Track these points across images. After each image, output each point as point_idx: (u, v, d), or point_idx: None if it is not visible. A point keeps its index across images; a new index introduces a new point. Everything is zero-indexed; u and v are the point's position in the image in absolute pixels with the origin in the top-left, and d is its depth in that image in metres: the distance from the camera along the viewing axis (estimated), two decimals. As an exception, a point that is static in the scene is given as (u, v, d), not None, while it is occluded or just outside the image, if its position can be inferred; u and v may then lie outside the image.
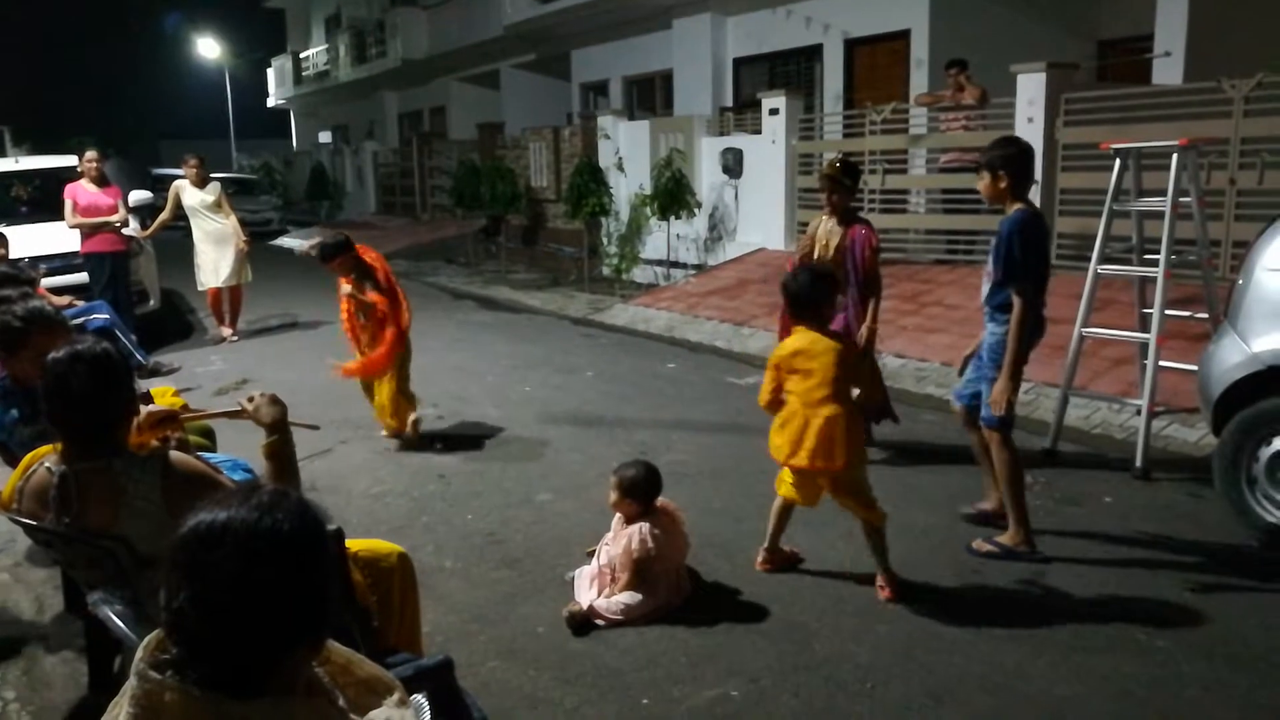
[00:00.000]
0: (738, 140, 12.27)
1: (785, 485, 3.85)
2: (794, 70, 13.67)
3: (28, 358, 3.27)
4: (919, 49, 11.62)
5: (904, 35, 11.85)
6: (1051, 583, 3.85)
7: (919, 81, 11.41)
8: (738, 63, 14.54)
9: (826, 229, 5.41)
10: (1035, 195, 8.74)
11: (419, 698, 2.35)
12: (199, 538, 1.36)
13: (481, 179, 15.28)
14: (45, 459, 2.54)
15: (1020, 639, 3.40)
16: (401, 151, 23.18)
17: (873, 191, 10.24)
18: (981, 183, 4.09)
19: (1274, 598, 3.69)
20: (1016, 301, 3.91)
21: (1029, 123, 8.82)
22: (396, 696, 1.58)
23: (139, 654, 1.39)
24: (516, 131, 17.41)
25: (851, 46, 12.76)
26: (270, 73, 34.75)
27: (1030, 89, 8.84)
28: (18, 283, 6.52)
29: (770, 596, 3.77)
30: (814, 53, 13.25)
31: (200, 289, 9.67)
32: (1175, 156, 5.12)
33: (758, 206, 11.80)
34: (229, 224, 9.47)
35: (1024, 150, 4.04)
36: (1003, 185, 3.98)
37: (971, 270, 9.21)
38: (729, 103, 14.43)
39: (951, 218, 9.95)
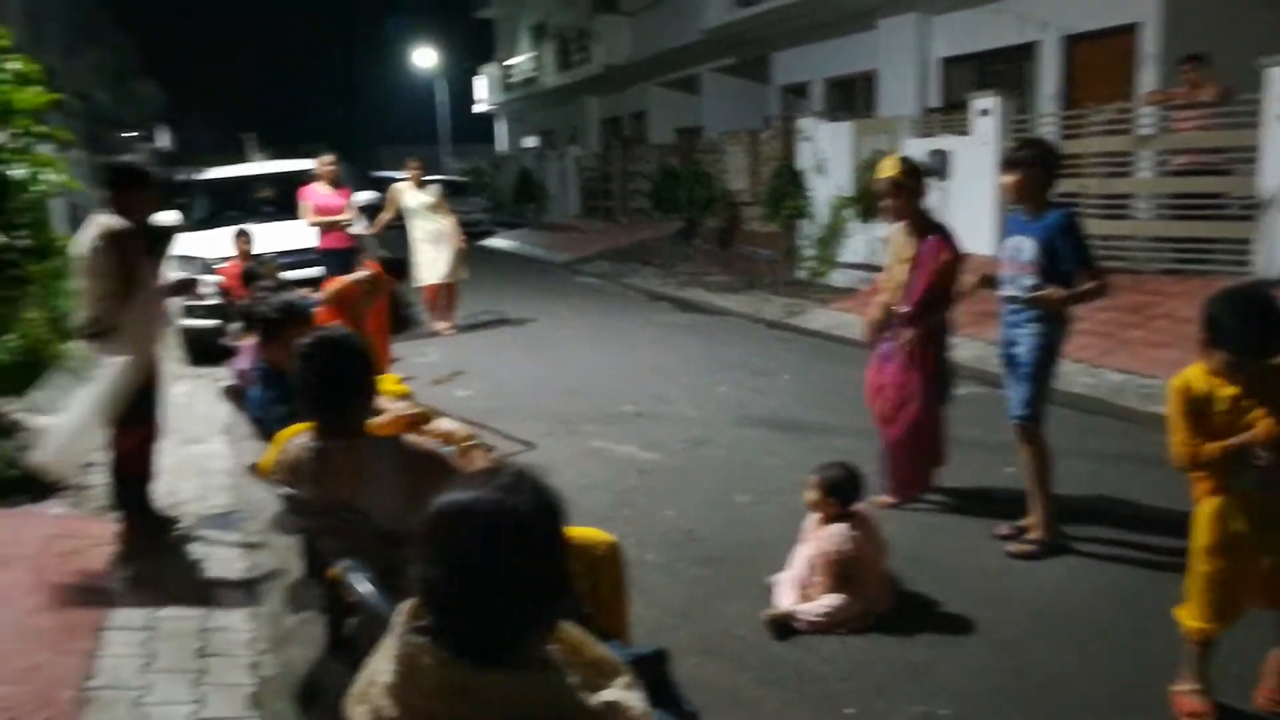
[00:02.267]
0: (945, 141, 11.85)
1: None
2: (1005, 70, 13.04)
3: (282, 345, 3.60)
4: (1149, 44, 10.83)
5: (1131, 29, 11.07)
6: None
7: (1148, 80, 10.63)
8: (946, 62, 14.04)
9: (898, 243, 4.68)
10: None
11: (636, 686, 2.43)
12: (448, 515, 1.46)
13: (679, 182, 15.46)
14: (299, 436, 2.78)
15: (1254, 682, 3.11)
16: (603, 156, 23.81)
17: (1091, 196, 9.63)
18: (1009, 179, 4.12)
19: None
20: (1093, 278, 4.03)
21: (1279, 120, 8.04)
22: (625, 679, 1.63)
23: (399, 619, 1.50)
24: (714, 135, 17.50)
25: (1071, 43, 12.05)
26: (478, 80, 36.54)
27: (1282, 84, 8.06)
28: (260, 276, 7.21)
29: (981, 616, 3.62)
30: (1028, 51, 12.60)
31: (417, 285, 10.28)
32: None
33: (965, 209, 11.32)
34: (446, 224, 10.03)
35: (1051, 151, 4.18)
36: (1028, 186, 4.07)
37: (1205, 282, 8.49)
38: (935, 104, 13.95)
39: (1182, 224, 9.20)
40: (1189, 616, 2.89)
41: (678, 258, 16.58)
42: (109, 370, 3.94)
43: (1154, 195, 9.80)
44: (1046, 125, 10.89)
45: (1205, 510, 2.85)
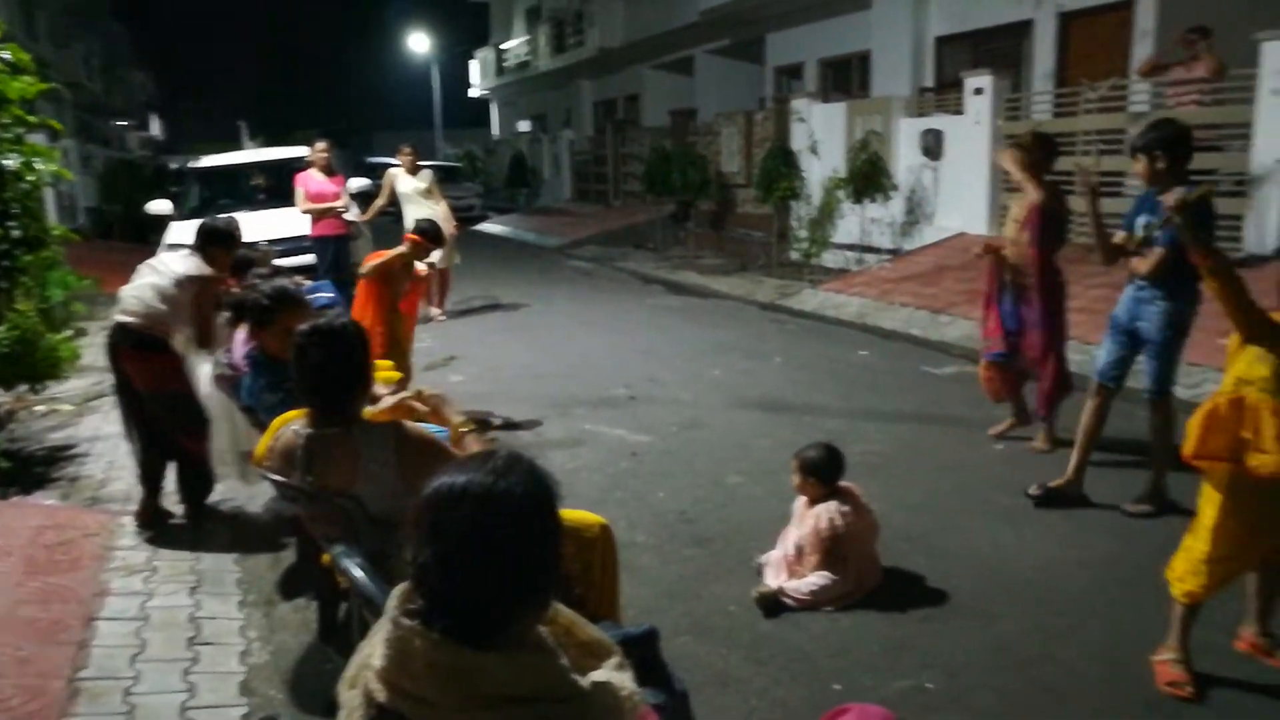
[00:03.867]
0: (938, 121, 11.83)
1: None
2: (1000, 48, 13.00)
3: (276, 332, 3.61)
4: (1145, 19, 10.79)
5: (1128, 5, 11.03)
6: None
7: (1143, 56, 10.61)
8: (939, 41, 13.98)
9: (1019, 204, 5.25)
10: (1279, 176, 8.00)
11: (626, 665, 2.46)
12: (440, 499, 1.48)
13: (672, 165, 15.44)
14: (293, 423, 2.80)
15: (1245, 654, 3.15)
16: (596, 139, 23.74)
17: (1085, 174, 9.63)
18: (1138, 165, 4.11)
19: None
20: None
21: (1274, 95, 8.04)
22: (615, 660, 1.65)
23: (392, 603, 1.52)
24: (708, 117, 17.45)
25: (1067, 20, 12.01)
26: (473, 64, 36.38)
27: (1277, 58, 8.04)
28: (253, 263, 7.22)
29: (969, 591, 3.66)
30: (1023, 29, 12.56)
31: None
32: None
33: (958, 189, 11.34)
34: (440, 210, 10.02)
35: (1180, 132, 4.12)
36: (1160, 167, 4.04)
37: (1197, 258, 8.51)
38: (929, 83, 13.91)
39: (1175, 201, 9.21)
40: (1182, 581, 2.93)
41: (671, 241, 16.58)
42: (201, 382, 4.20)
43: (1147, 172, 9.78)
44: (1040, 104, 10.88)
45: (1219, 478, 2.85)
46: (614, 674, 1.58)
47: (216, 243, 4.57)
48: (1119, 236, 4.45)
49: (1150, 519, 4.29)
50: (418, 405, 3.20)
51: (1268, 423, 2.72)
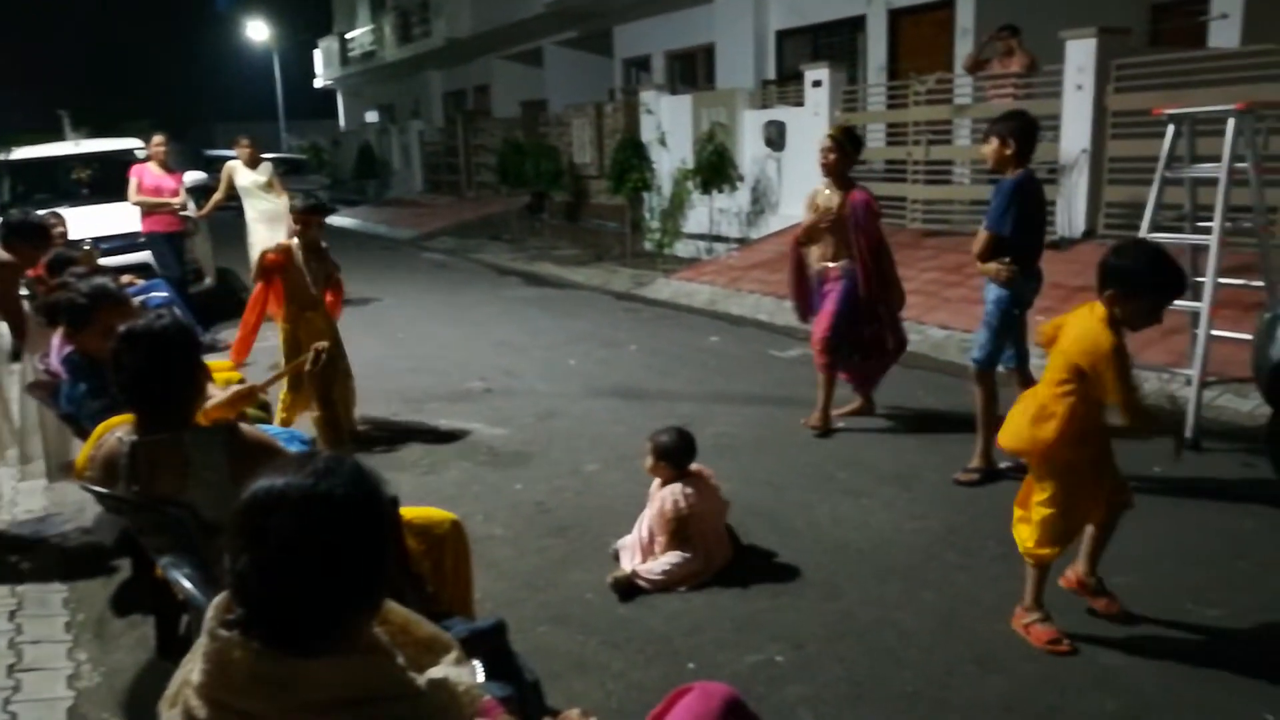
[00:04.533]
0: (780, 113, 12.18)
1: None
2: (837, 42, 13.51)
3: (96, 333, 3.41)
4: (964, 18, 11.42)
5: (949, 4, 11.65)
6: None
7: (964, 52, 11.23)
8: (780, 35, 14.40)
9: (826, 196, 5.40)
10: (1084, 163, 8.62)
11: (474, 659, 2.45)
12: (258, 503, 1.42)
13: (525, 156, 15.36)
14: (117, 429, 2.64)
15: (1060, 608, 3.39)
16: (446, 130, 23.32)
17: (916, 163, 10.13)
18: (989, 148, 4.49)
19: (1326, 568, 3.65)
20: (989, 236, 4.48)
21: (1078, 90, 8.65)
22: (454, 655, 1.65)
23: (209, 614, 1.46)
24: (559, 108, 17.42)
25: (896, 16, 12.57)
26: (317, 54, 35.07)
27: (1080, 56, 8.65)
28: (73, 261, 6.79)
29: (815, 565, 3.81)
30: (858, 24, 13.09)
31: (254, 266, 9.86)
32: (1232, 121, 5.02)
33: (801, 179, 11.68)
34: (281, 203, 9.64)
35: (1032, 122, 4.55)
36: (1009, 152, 4.40)
37: (1019, 241, 9.09)
38: (772, 75, 14.31)
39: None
40: (1037, 543, 3.12)
41: (526, 232, 16.49)
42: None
43: (971, 161, 10.37)
44: (875, 96, 11.36)
45: (1068, 440, 3.04)
46: (452, 670, 1.58)
47: (20, 238, 4.37)
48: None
49: (979, 486, 4.58)
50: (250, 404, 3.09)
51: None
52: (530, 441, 5.50)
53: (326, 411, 5.28)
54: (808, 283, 5.60)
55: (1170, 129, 5.28)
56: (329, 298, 5.55)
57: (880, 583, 3.67)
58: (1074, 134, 8.74)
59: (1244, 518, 4.15)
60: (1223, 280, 5.12)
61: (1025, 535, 3.18)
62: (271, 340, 8.55)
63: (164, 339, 2.59)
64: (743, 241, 12.15)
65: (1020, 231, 4.40)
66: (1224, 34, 9.19)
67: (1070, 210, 8.80)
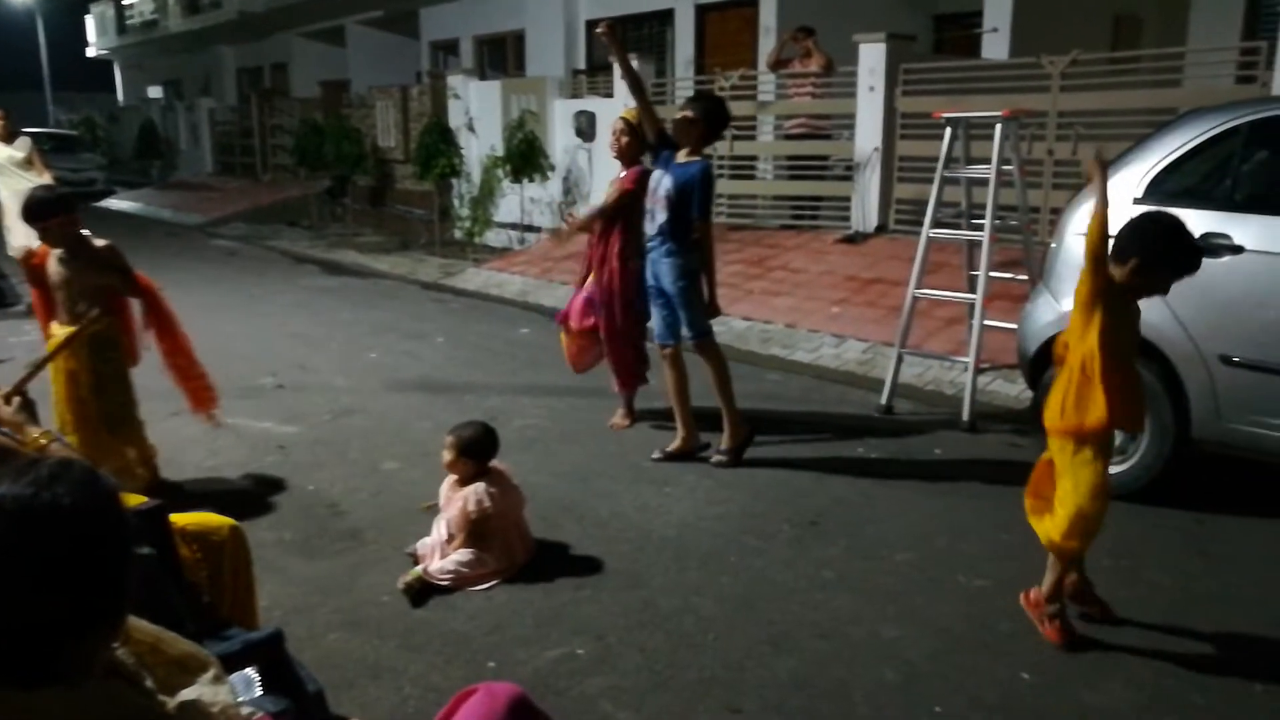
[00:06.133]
0: (590, 103, 12.21)
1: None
2: (646, 34, 13.68)
3: None
4: (767, 16, 11.82)
5: (754, 3, 12.02)
6: (879, 532, 4.05)
7: (767, 49, 11.62)
8: (590, 24, 14.41)
9: (618, 176, 5.32)
10: (877, 161, 9.09)
11: (249, 672, 2.29)
12: None
13: (326, 138, 14.70)
14: None
15: (850, 586, 3.57)
16: (240, 109, 22.00)
17: (721, 157, 10.40)
18: (682, 116, 4.65)
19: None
20: (704, 227, 4.66)
21: (870, 91, 9.12)
22: (211, 673, 1.52)
23: None
24: (363, 90, 16.78)
25: (703, 12, 12.86)
26: (89, 20, 32.21)
27: (871, 58, 9.13)
28: None
29: (619, 555, 3.82)
30: (666, 17, 13.30)
31: (12, 253, 8.93)
32: (998, 126, 5.41)
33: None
34: (42, 183, 8.76)
35: (726, 111, 4.77)
36: (699, 131, 4.62)
37: (815, 235, 9.51)
38: (582, 65, 14.32)
39: (798, 184, 10.21)
40: (1065, 536, 3.04)
41: (327, 218, 15.82)
42: None
43: (774, 157, 10.76)
44: (683, 89, 11.56)
45: (1099, 441, 3.00)
46: (206, 689, 1.45)
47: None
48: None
49: (741, 463, 4.78)
50: None
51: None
52: (325, 440, 5.25)
53: (116, 459, 4.16)
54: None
55: (948, 131, 5.63)
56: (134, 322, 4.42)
57: (681, 570, 3.71)
58: (867, 133, 9.21)
59: (1011, 494, 4.46)
60: (994, 274, 5.52)
61: (1050, 527, 3.09)
62: (32, 334, 7.80)
63: None
64: (555, 231, 12.09)
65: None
66: (995, 46, 9.92)
67: (864, 206, 9.27)
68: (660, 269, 4.73)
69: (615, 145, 5.26)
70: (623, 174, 5.25)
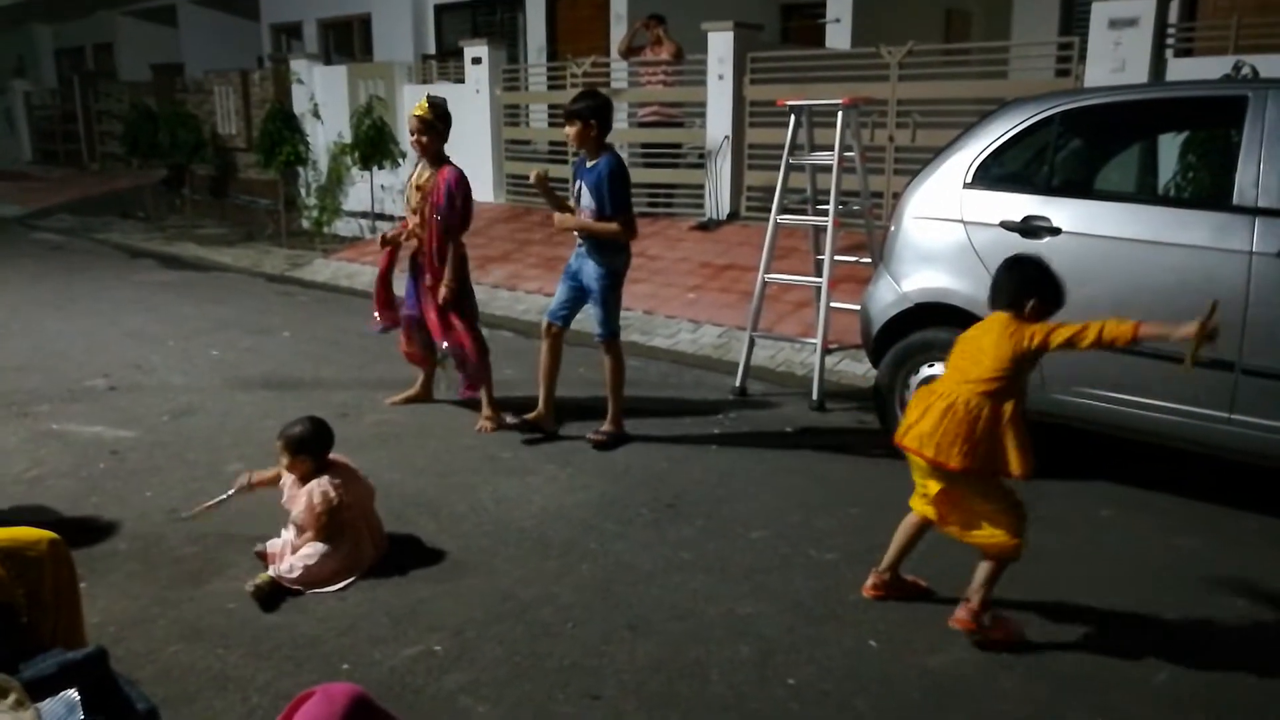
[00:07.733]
0: (441, 89, 11.95)
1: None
2: (497, 19, 13.51)
3: None
4: (618, 4, 11.85)
5: (605, -10, 12.04)
6: (734, 511, 4.14)
7: (619, 37, 11.65)
8: (439, 9, 14.14)
9: (421, 175, 5.19)
10: (728, 149, 9.26)
11: (71, 694, 2.14)
12: None
13: (159, 125, 13.89)
14: None
15: (707, 566, 3.63)
16: (62, 93, 20.53)
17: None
18: (572, 129, 4.65)
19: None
20: (620, 223, 4.65)
21: (720, 79, 9.27)
22: (12, 698, 1.42)
23: None
24: (199, 74, 15.93)
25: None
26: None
27: (720, 47, 9.27)
28: None
29: (477, 549, 3.77)
30: (517, 3, 13.15)
31: None
32: (840, 114, 5.59)
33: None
34: None
35: (608, 102, 4.73)
36: (593, 134, 4.62)
37: (671, 222, 9.62)
38: (432, 50, 14.02)
39: (651, 171, 10.29)
40: (1015, 532, 3.00)
41: (163, 209, 14.97)
42: None
43: (629, 144, 10.80)
44: (535, 76, 11.47)
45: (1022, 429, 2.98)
46: (6, 715, 1.36)
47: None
48: (573, 205, 4.87)
49: (615, 450, 4.84)
50: None
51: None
52: (163, 443, 4.97)
53: None
54: (390, 289, 5.59)
55: (792, 119, 5.78)
56: None
57: (540, 559, 3.70)
58: (717, 121, 9.36)
59: (857, 469, 4.66)
60: (839, 258, 5.71)
61: (995, 534, 3.02)
62: None
63: None
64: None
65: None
66: (838, 36, 10.26)
67: (717, 193, 9.43)
68: (584, 266, 4.81)
69: (416, 145, 5.13)
70: (442, 174, 5.07)
